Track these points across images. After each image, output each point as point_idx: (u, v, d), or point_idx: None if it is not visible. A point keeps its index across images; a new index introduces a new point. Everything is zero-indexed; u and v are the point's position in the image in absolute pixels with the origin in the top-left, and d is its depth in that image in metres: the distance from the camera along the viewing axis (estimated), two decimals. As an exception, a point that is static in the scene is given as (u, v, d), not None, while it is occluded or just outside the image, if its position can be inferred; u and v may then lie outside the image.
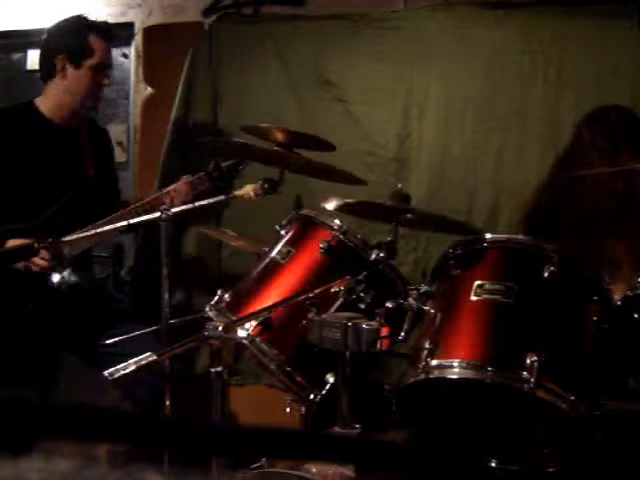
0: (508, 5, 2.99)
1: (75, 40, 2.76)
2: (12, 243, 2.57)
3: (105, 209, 2.73)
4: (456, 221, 2.38)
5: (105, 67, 2.82)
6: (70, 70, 2.74)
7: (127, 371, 1.65)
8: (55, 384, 2.76)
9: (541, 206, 2.61)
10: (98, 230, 2.45)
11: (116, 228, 2.48)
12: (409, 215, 2.16)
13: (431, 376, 1.77)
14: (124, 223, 2.46)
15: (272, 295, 2.07)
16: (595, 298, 1.86)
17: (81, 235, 2.48)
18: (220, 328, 1.74)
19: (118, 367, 1.66)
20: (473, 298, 1.82)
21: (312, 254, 2.13)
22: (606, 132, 2.47)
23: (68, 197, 2.71)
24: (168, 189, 2.77)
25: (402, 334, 1.93)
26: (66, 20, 2.83)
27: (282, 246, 2.19)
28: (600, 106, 2.59)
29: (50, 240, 2.51)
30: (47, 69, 2.78)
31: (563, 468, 1.81)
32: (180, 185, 2.76)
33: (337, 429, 1.84)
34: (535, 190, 2.67)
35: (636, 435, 1.90)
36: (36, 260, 2.53)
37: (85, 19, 2.83)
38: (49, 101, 2.78)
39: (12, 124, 2.75)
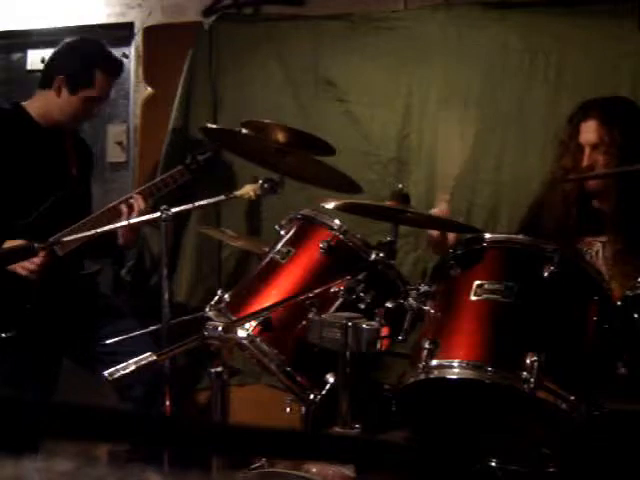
0: (508, 5, 2.98)
1: (79, 68, 2.76)
2: (10, 244, 2.56)
3: (86, 210, 2.75)
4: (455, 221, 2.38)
5: (100, 101, 2.84)
6: (65, 92, 2.76)
7: (127, 371, 1.65)
8: (56, 384, 2.76)
9: (541, 205, 2.60)
10: (91, 232, 2.45)
11: (114, 228, 2.48)
12: (409, 214, 2.15)
13: (431, 376, 1.77)
14: (124, 223, 2.47)
15: (272, 295, 2.07)
16: (595, 298, 1.86)
17: (79, 236, 2.48)
18: (220, 328, 1.74)
19: (118, 367, 1.66)
20: (473, 298, 1.82)
21: (312, 254, 2.13)
22: (598, 109, 2.42)
23: (57, 195, 2.72)
24: (131, 194, 2.78)
25: (402, 334, 1.92)
26: (81, 42, 2.84)
27: (282, 246, 2.19)
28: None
29: (50, 241, 2.51)
30: (45, 80, 2.81)
31: (563, 468, 1.81)
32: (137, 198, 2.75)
33: (337, 429, 1.84)
34: (535, 189, 2.67)
35: (636, 435, 1.89)
36: (25, 263, 2.53)
37: (99, 48, 2.83)
38: (37, 107, 2.80)
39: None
